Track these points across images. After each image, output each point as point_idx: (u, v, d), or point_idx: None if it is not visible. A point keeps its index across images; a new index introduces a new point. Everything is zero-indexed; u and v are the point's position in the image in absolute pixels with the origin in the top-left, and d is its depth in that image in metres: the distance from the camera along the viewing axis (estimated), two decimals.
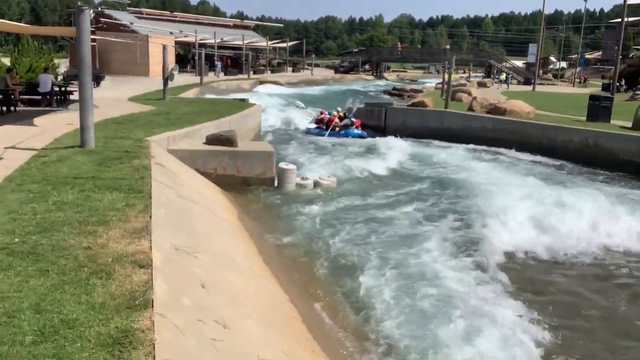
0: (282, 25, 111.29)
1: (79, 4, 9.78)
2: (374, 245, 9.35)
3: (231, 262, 6.57)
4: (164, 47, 20.99)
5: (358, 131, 22.76)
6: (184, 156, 11.69)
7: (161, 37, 38.93)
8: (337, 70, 76.56)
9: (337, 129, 22.55)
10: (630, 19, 68.78)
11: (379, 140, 20.63)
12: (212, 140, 12.51)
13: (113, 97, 21.01)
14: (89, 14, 9.81)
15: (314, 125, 23.92)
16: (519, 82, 59.69)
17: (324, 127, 23.10)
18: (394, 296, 7.34)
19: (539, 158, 18.75)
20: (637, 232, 10.50)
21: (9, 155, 9.21)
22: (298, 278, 7.93)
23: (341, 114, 23.99)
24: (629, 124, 19.40)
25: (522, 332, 6.59)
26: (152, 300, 4.08)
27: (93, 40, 24.07)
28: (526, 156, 19.00)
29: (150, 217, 6.04)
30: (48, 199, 6.46)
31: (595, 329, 7.18)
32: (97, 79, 25.92)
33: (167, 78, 20.75)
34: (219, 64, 49.49)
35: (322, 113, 25.09)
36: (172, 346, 3.63)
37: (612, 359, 6.54)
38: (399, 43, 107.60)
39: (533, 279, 8.71)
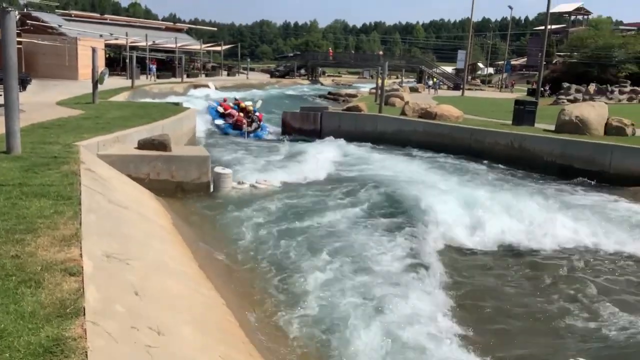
0: (216, 28, 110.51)
1: (4, 5, 9.46)
2: (309, 244, 9.50)
3: (165, 268, 6.50)
4: (94, 50, 20.42)
5: (264, 132, 24.86)
6: (114, 161, 11.42)
7: (91, 40, 37.81)
8: (272, 75, 76.54)
9: (247, 133, 23.95)
10: (553, 26, 72.12)
11: (314, 144, 20.82)
12: (144, 144, 12.28)
13: (40, 101, 20.28)
14: (14, 15, 9.49)
15: (222, 121, 24.65)
16: (448, 88, 61.44)
17: (231, 124, 24.20)
18: (329, 294, 7.50)
19: (466, 159, 19.42)
20: (556, 225, 11.11)
21: None
22: (234, 282, 7.93)
23: (244, 105, 25.19)
24: (552, 127, 20.38)
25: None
26: (84, 308, 4.01)
27: (19, 42, 23.19)
28: (455, 158, 19.65)
29: (80, 224, 5.92)
30: None
31: (502, 310, 7.78)
32: (23, 83, 24.87)
33: (97, 81, 20.21)
34: (153, 67, 48.59)
35: (225, 100, 26.32)
36: (106, 354, 3.59)
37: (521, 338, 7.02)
38: (330, 49, 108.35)
39: (451, 264, 9.41)
